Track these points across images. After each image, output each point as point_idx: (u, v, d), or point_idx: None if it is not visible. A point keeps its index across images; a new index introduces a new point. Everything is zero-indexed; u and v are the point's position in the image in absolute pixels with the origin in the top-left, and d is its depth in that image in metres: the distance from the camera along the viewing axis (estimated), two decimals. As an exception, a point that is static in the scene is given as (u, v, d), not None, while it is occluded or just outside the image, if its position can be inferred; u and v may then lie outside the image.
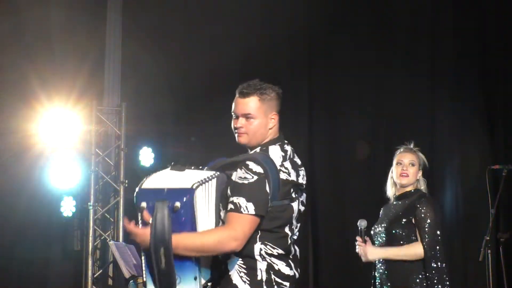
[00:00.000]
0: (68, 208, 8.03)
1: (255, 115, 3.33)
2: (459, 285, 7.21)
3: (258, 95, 3.33)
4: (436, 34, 7.79)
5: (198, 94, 8.39)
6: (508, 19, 7.40)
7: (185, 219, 3.14)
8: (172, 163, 3.28)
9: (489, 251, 5.22)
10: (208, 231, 3.17)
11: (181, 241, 3.11)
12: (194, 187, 3.15)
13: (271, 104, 3.36)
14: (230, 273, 3.24)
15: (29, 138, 7.82)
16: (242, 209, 3.15)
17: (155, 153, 8.16)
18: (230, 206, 3.17)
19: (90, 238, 7.88)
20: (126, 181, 8.02)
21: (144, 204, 3.14)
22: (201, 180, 3.18)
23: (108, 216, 8.11)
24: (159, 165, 8.16)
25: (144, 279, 3.17)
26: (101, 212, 8.06)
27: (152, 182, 3.24)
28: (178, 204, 3.12)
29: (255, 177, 3.18)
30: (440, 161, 7.57)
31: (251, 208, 3.15)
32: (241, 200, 3.16)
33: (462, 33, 7.65)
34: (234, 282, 3.23)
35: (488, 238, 5.17)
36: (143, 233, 3.12)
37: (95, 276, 7.91)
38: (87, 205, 7.92)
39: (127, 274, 6.06)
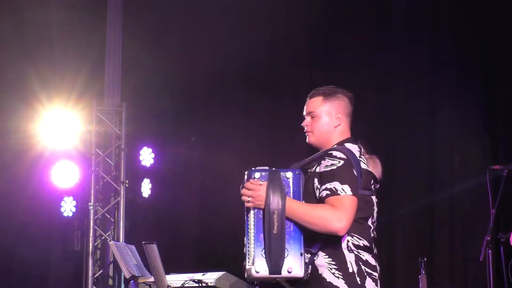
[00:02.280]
0: (68, 208, 8.03)
1: (317, 114, 3.43)
2: (459, 285, 7.21)
3: (322, 95, 3.46)
4: (437, 34, 7.78)
5: (198, 94, 8.39)
6: (509, 18, 7.39)
7: (293, 192, 3.19)
8: (252, 168, 3.28)
9: (490, 251, 5.22)
10: (316, 205, 3.20)
11: (292, 204, 3.14)
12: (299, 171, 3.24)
13: (337, 105, 3.46)
14: (320, 273, 3.22)
15: (30, 138, 7.82)
16: (339, 192, 3.18)
17: (155, 153, 8.15)
18: (326, 192, 3.20)
19: (91, 238, 7.88)
20: (127, 181, 8.01)
21: (258, 174, 3.19)
22: (299, 171, 3.25)
23: (109, 216, 8.10)
24: (159, 165, 8.21)
25: (251, 253, 3.12)
26: (101, 212, 8.05)
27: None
28: (290, 174, 3.20)
29: (342, 162, 3.24)
30: (440, 161, 7.57)
31: (347, 189, 3.19)
32: (335, 185, 3.20)
33: (462, 33, 7.64)
34: (328, 280, 3.20)
35: (489, 238, 5.17)
36: (261, 190, 3.14)
37: (95, 276, 7.90)
38: (87, 205, 7.92)
39: (127, 274, 6.05)
